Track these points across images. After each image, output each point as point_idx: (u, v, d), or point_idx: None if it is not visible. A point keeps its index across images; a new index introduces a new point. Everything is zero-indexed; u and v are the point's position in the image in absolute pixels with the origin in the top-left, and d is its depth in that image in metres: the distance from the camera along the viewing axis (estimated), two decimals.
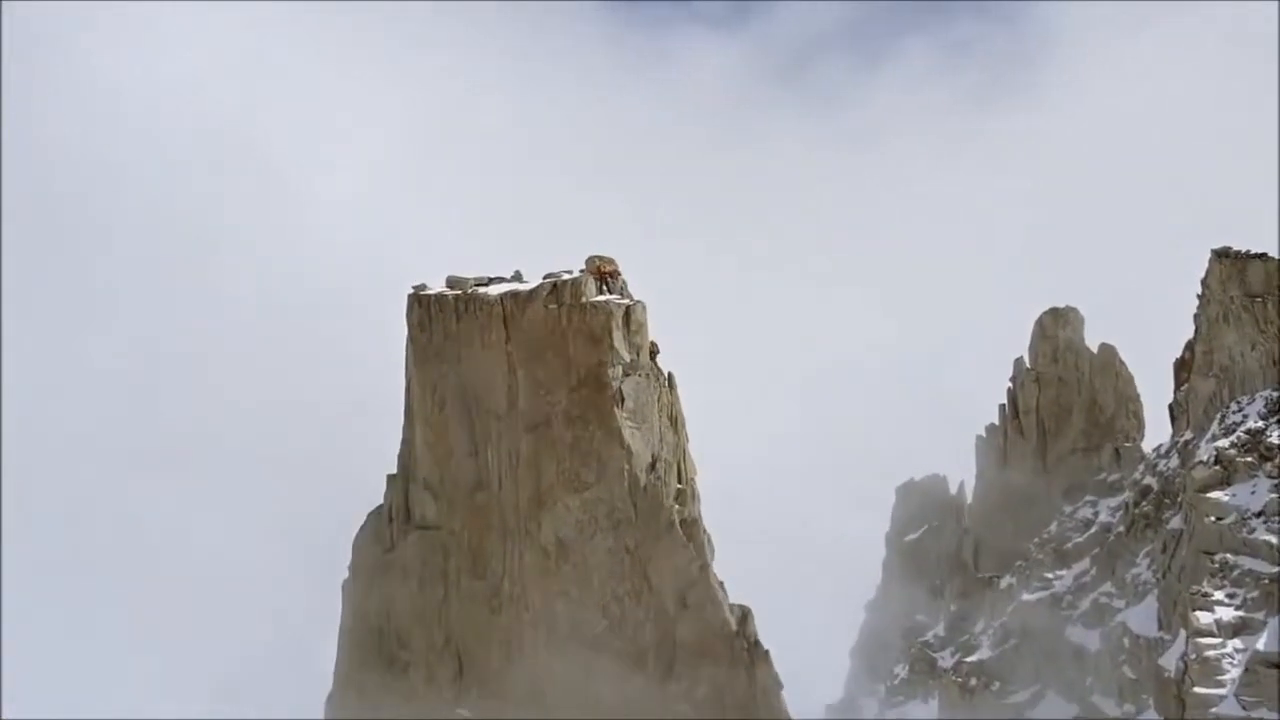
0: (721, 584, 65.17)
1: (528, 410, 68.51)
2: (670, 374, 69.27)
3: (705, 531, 66.25)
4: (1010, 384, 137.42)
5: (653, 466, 66.34)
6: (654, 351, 68.93)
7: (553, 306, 68.50)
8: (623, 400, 66.45)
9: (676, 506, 65.63)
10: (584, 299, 68.14)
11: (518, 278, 73.55)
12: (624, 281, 70.91)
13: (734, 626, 63.34)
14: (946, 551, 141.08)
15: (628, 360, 67.29)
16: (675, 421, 68.42)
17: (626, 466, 65.78)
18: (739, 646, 62.82)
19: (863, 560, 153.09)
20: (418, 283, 75.01)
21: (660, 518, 64.88)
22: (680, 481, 67.56)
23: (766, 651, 63.82)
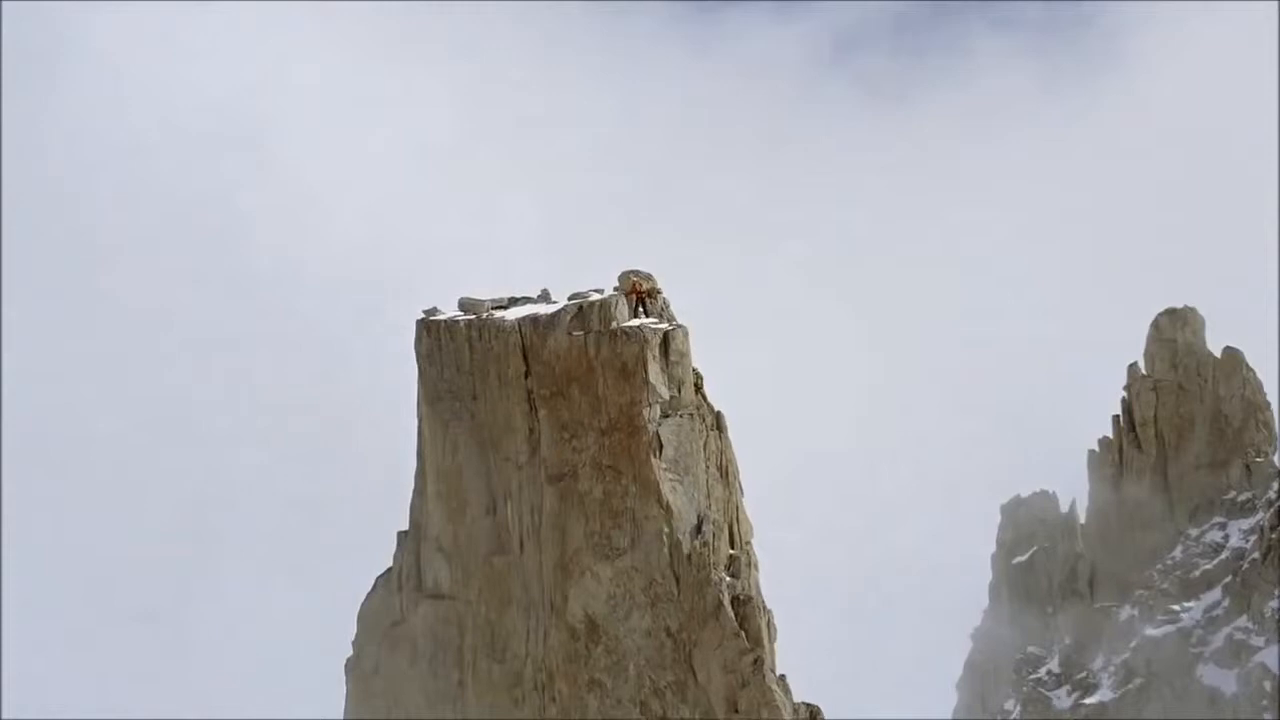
0: (783, 679, 51.10)
1: (551, 458, 55.16)
2: (719, 413, 55.45)
3: (765, 609, 52.32)
4: (1124, 393, 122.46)
5: (698, 529, 52.47)
6: (698, 385, 55.30)
7: (578, 334, 55.06)
8: (661, 447, 52.76)
9: (727, 579, 51.65)
10: (614, 324, 54.65)
11: (545, 297, 60.36)
12: (665, 300, 57.39)
13: None
14: (1058, 576, 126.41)
15: (666, 398, 53.56)
16: (725, 472, 54.50)
17: (666, 529, 52.01)
18: None
19: (967, 584, 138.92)
20: (430, 306, 62.22)
21: (706, 595, 50.95)
22: (733, 546, 53.68)
23: None
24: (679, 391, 53.99)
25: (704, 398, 55.77)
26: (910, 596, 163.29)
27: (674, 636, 51.44)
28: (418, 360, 60.59)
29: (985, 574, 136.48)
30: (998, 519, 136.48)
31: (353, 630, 62.41)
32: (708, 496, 53.19)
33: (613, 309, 54.96)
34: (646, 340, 53.48)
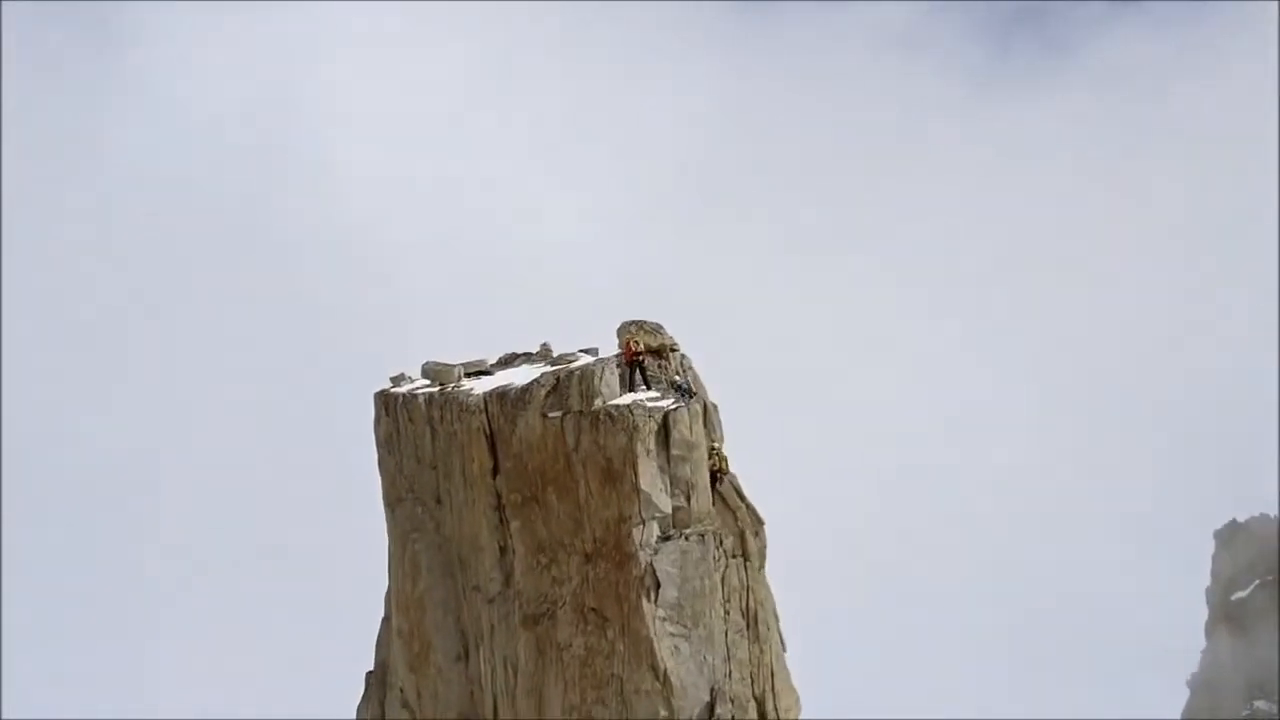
0: None
1: (527, 591, 37.75)
2: (745, 528, 36.98)
3: None
4: None
5: (711, 711, 34.45)
6: (717, 473, 36.93)
7: (554, 415, 37.51)
8: (657, 587, 34.91)
9: None
10: (597, 401, 36.90)
11: (545, 355, 42.99)
12: (683, 361, 39.42)
13: None
14: None
15: (666, 511, 35.60)
16: (752, 618, 36.12)
17: (663, 712, 34.18)
18: None
19: (1179, 622, 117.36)
20: (424, 362, 45.25)
21: None
22: None
23: None
24: (687, 500, 35.91)
25: (740, 496, 37.69)
26: (1114, 639, 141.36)
27: None
28: (377, 448, 43.95)
29: (1200, 611, 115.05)
30: (1211, 547, 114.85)
31: None
32: (727, 659, 34.99)
33: (596, 380, 37.16)
34: (636, 427, 35.56)
